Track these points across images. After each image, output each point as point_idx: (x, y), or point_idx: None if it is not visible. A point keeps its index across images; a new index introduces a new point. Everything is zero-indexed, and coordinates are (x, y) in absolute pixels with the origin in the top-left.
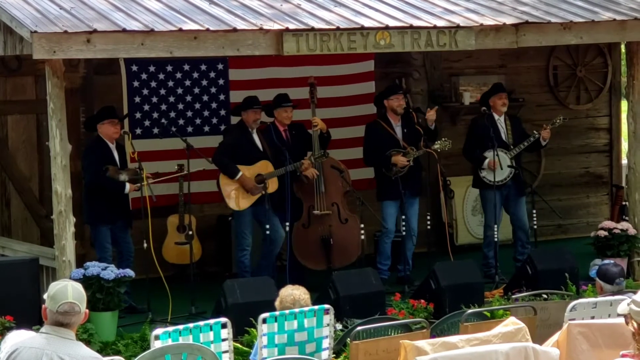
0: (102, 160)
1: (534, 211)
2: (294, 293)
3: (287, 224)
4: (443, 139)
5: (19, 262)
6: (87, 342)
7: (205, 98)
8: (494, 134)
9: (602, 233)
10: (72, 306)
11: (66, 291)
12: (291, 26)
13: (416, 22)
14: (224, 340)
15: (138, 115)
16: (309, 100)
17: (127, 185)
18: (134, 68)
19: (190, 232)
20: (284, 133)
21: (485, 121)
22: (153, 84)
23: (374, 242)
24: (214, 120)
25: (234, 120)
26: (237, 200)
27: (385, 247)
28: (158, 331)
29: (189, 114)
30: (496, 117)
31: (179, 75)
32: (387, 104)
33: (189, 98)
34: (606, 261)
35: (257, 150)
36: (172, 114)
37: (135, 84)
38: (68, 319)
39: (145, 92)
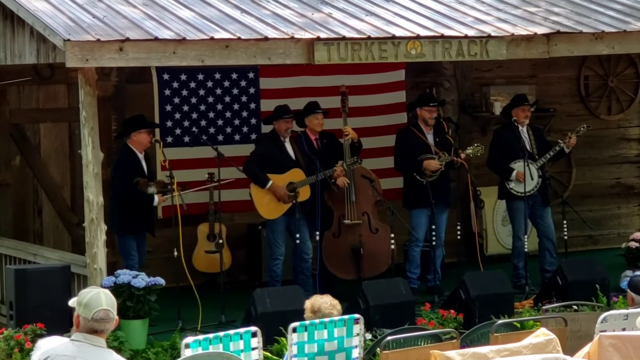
0: (134, 172)
1: (565, 222)
2: (327, 300)
3: (317, 233)
4: (475, 144)
5: (51, 270)
6: (118, 350)
7: (236, 107)
8: (520, 144)
9: (634, 244)
10: (107, 313)
11: (100, 298)
12: (322, 35)
13: (447, 32)
14: (253, 349)
15: (169, 123)
16: (340, 110)
17: (156, 198)
18: (166, 76)
19: (221, 241)
20: (315, 142)
21: (510, 132)
22: (184, 92)
23: (404, 251)
24: (245, 129)
25: (265, 128)
26: (269, 209)
27: (414, 256)
28: (188, 339)
29: (220, 122)
30: (519, 128)
31: (210, 83)
32: (419, 112)
33: (219, 106)
34: (638, 272)
35: (289, 159)
36: (203, 123)
37: (167, 92)
38: (103, 325)
39: (176, 100)
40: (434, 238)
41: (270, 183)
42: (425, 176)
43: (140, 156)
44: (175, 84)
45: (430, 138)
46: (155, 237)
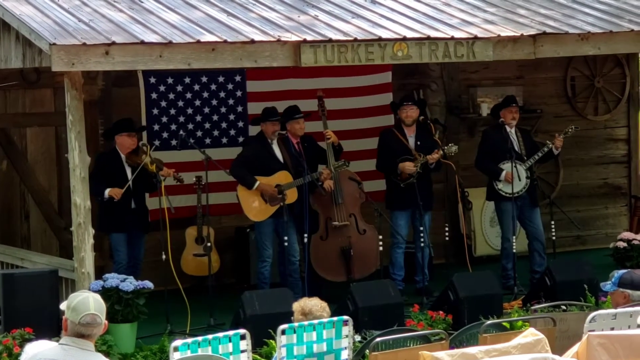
0: (106, 170)
1: (552, 222)
2: (317, 302)
3: (305, 235)
4: (450, 144)
5: (39, 274)
6: (106, 354)
7: (223, 110)
8: (508, 145)
9: (621, 244)
10: (94, 317)
11: (88, 302)
12: (309, 37)
13: (434, 33)
14: (242, 351)
15: (156, 127)
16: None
17: (105, 192)
18: (152, 80)
19: (209, 244)
20: (296, 145)
21: (498, 133)
22: (171, 95)
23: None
24: (232, 132)
25: (252, 131)
26: (256, 211)
27: (397, 258)
28: (177, 343)
29: (207, 125)
30: (507, 129)
31: (196, 87)
32: (398, 113)
33: (206, 110)
34: (625, 270)
35: (276, 161)
36: (190, 126)
37: (154, 95)
38: (90, 330)
39: (163, 104)
40: (422, 240)
41: (257, 184)
42: (401, 179)
43: (124, 157)
44: (162, 88)
45: (411, 141)
46: (144, 241)
